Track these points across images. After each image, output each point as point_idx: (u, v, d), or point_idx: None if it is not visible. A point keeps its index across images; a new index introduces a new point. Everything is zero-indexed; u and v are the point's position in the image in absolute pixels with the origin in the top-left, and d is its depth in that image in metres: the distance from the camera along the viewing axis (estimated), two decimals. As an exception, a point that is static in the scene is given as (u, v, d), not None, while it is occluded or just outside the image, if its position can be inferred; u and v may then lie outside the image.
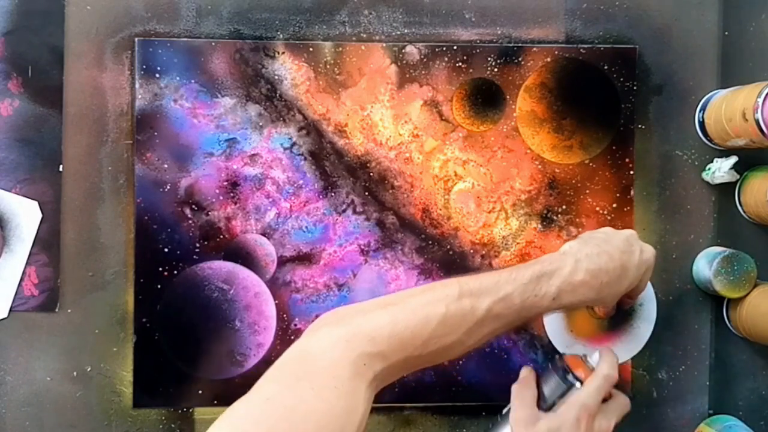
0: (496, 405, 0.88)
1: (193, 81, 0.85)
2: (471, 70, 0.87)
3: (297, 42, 0.86)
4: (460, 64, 0.87)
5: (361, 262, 0.87)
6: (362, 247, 0.87)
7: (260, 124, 0.86)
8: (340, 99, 0.86)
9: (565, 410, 0.70)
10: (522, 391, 0.73)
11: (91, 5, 0.85)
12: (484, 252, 0.88)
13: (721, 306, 0.90)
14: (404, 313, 0.64)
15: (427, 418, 0.89)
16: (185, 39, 0.85)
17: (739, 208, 0.89)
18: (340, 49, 0.86)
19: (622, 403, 0.73)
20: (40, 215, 0.84)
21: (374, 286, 0.87)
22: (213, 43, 0.85)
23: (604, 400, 0.72)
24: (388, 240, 0.87)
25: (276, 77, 0.86)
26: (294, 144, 0.86)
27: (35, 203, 0.84)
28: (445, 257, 0.87)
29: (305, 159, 0.86)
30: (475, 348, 0.67)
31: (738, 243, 0.89)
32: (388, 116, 0.87)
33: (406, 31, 0.88)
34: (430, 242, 0.88)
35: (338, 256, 0.87)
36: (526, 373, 0.75)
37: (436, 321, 0.64)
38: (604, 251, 0.71)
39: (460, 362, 0.87)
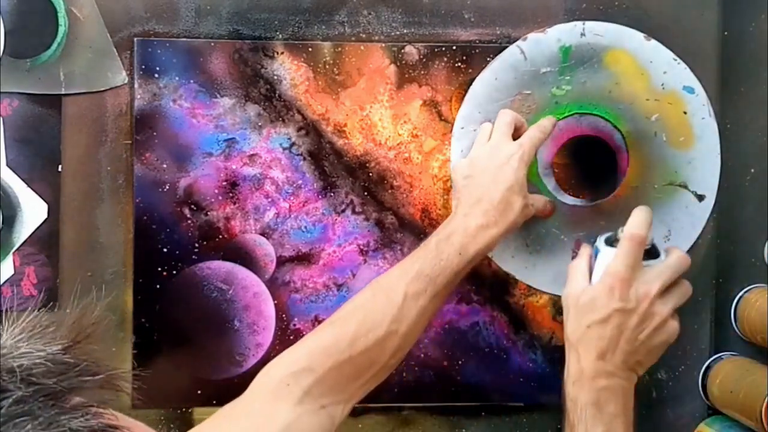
0: (496, 405, 0.89)
1: (192, 81, 0.85)
2: (470, 70, 0.87)
3: (296, 42, 0.86)
4: (460, 64, 0.87)
5: (361, 262, 0.87)
6: (361, 247, 0.87)
7: (259, 124, 0.86)
8: (339, 99, 0.86)
9: (601, 280, 0.69)
10: (575, 267, 0.73)
11: (90, 5, 0.85)
12: (483, 252, 0.87)
13: (722, 306, 0.89)
14: (322, 328, 0.70)
15: (427, 418, 0.89)
16: (184, 39, 0.85)
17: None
18: (339, 49, 0.86)
19: (682, 289, 0.70)
20: (44, 217, 0.84)
21: (373, 286, 0.87)
22: (212, 43, 0.85)
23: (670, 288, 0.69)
24: (388, 240, 0.87)
25: (275, 77, 0.86)
26: (293, 144, 0.86)
27: (45, 205, 0.84)
28: (444, 257, 0.87)
29: (304, 159, 0.86)
30: (419, 330, 0.71)
31: (738, 242, 0.89)
32: (388, 116, 0.87)
33: (405, 31, 0.88)
34: (429, 242, 0.87)
35: (337, 256, 0.87)
36: (583, 250, 0.75)
37: (355, 322, 0.69)
38: (484, 194, 0.73)
39: (460, 362, 0.87)
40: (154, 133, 0.85)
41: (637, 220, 0.70)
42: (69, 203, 0.85)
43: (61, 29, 0.84)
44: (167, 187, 0.85)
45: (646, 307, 0.67)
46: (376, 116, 0.87)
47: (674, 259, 0.70)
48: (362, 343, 0.68)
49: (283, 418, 0.65)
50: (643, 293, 0.67)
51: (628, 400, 0.68)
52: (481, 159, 0.76)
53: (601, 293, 0.68)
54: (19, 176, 0.84)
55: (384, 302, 0.69)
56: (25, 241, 0.84)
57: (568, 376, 0.69)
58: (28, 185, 0.84)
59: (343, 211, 0.87)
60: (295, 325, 0.86)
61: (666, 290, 0.69)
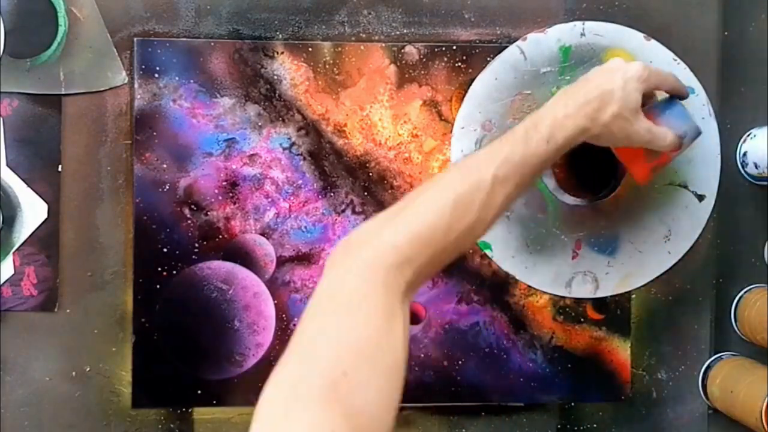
0: (496, 405, 0.89)
1: (192, 81, 0.85)
2: (470, 70, 0.87)
3: (296, 42, 0.86)
4: (460, 64, 0.87)
5: (361, 262, 0.87)
6: (361, 247, 0.87)
7: (259, 124, 0.86)
8: (340, 99, 0.86)
9: None
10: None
11: (90, 5, 0.85)
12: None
13: (722, 306, 0.89)
14: (416, 212, 0.62)
15: (427, 418, 0.89)
16: (184, 39, 0.85)
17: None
18: (340, 49, 0.86)
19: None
20: (44, 217, 0.84)
21: (373, 286, 0.87)
22: (212, 43, 0.85)
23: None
24: (388, 240, 0.87)
25: (275, 77, 0.86)
26: (293, 144, 0.86)
27: (45, 205, 0.84)
28: (444, 257, 0.87)
29: (304, 159, 0.86)
30: (496, 220, 0.66)
31: (738, 242, 0.89)
32: (388, 116, 0.87)
33: (405, 31, 0.88)
34: (429, 242, 0.87)
35: (337, 256, 0.87)
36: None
37: (450, 208, 0.62)
38: (580, 81, 0.70)
39: (460, 362, 0.87)
40: (154, 133, 0.85)
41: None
42: (69, 203, 0.85)
43: (61, 29, 0.84)
44: (167, 187, 0.85)
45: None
46: (376, 116, 0.87)
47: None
48: (455, 231, 0.63)
49: (400, 312, 0.58)
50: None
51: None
52: (606, 66, 0.72)
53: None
54: (19, 176, 0.84)
55: (474, 186, 0.64)
56: (25, 241, 0.84)
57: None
58: (28, 185, 0.84)
59: (343, 211, 0.87)
60: (295, 325, 0.86)
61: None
